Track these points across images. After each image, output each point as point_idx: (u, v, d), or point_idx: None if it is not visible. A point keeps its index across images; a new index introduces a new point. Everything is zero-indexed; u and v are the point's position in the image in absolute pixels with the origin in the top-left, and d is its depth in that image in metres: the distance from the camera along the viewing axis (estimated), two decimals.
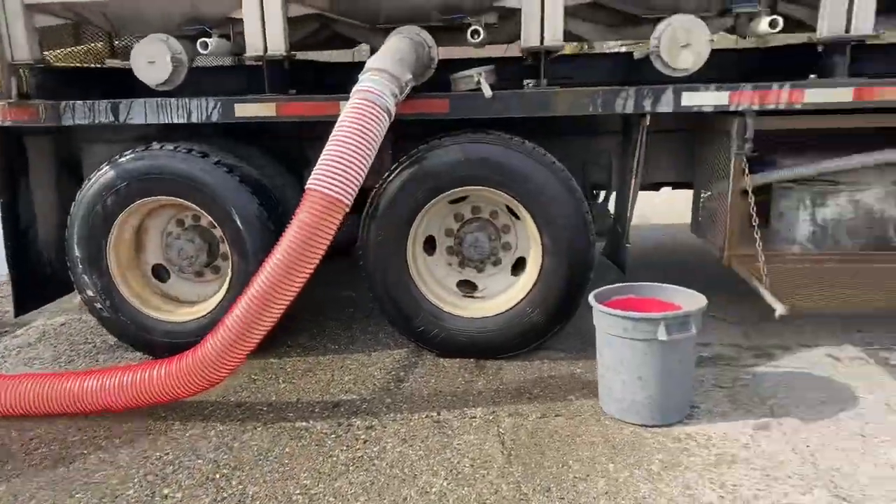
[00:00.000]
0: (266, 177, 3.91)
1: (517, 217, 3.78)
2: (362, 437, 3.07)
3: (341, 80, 4.30)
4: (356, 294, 5.02)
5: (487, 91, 3.48)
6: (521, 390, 3.43)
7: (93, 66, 4.51)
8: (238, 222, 3.67)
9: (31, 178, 4.02)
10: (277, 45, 3.59)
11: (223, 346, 3.04)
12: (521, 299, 3.67)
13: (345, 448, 2.98)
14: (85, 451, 3.04)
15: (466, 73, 3.61)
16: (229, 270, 3.80)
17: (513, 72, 4.17)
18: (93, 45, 4.54)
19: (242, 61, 4.15)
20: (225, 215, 3.68)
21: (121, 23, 3.88)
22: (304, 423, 3.21)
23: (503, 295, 3.83)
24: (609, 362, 3.06)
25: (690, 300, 3.11)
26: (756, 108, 3.42)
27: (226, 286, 3.83)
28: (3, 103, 3.66)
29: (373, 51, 4.09)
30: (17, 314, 4.03)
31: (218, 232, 3.82)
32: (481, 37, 3.62)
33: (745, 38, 4.02)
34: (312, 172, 3.02)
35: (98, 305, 3.89)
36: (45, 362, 4.07)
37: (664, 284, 3.27)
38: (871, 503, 2.49)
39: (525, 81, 3.73)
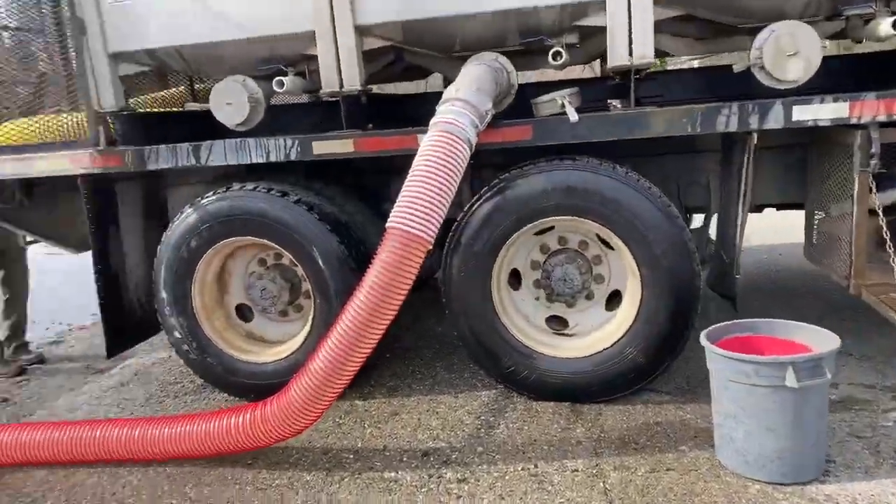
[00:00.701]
0: (346, 214, 3.83)
1: (609, 247, 3.52)
2: (455, 491, 2.87)
3: (415, 112, 4.20)
4: (439, 328, 4.85)
5: (573, 115, 3.26)
6: (625, 439, 3.14)
7: (174, 110, 4.59)
8: (319, 261, 3.59)
9: (121, 224, 4.08)
10: (353, 79, 3.50)
11: (309, 393, 2.94)
12: (620, 337, 3.38)
13: None
14: (174, 502, 2.99)
15: (549, 96, 3.41)
16: (311, 310, 3.72)
17: (591, 93, 3.93)
18: (175, 90, 4.63)
19: (319, 98, 4.10)
20: (305, 255, 3.61)
21: (200, 66, 3.91)
22: (392, 474, 3.04)
23: (598, 332, 3.56)
24: (728, 410, 2.74)
25: (819, 339, 2.74)
26: (882, 119, 3.05)
27: (308, 327, 3.75)
28: (91, 151, 3.73)
29: (447, 80, 3.96)
30: (109, 355, 4.09)
31: (300, 270, 3.75)
32: (563, 58, 3.41)
33: (859, 42, 3.64)
34: (393, 209, 2.90)
35: (185, 347, 3.91)
36: (137, 403, 4.13)
37: (786, 321, 2.92)
38: None
39: (610, 102, 3.49)
